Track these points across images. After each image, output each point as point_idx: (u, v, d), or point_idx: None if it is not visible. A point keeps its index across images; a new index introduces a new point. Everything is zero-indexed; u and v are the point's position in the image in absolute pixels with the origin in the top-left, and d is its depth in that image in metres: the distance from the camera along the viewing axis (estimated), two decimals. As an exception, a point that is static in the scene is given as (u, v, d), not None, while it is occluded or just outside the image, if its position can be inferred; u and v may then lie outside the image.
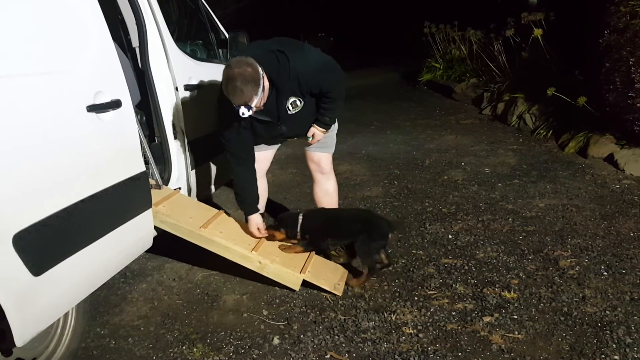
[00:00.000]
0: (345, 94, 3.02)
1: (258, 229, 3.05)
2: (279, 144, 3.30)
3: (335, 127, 3.22)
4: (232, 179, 3.07)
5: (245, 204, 3.06)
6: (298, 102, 2.88)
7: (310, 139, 3.08)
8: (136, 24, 3.08)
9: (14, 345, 1.86)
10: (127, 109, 2.40)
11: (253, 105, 2.61)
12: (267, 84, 2.68)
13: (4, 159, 1.76)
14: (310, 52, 2.90)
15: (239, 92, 2.56)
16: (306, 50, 2.88)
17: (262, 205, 3.26)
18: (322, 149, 3.19)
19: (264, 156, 3.19)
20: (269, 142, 3.17)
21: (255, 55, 2.68)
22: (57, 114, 2.02)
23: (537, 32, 6.19)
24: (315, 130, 3.05)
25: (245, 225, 3.11)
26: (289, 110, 2.89)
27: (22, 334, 1.83)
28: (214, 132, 3.05)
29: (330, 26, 18.13)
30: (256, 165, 3.10)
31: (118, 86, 2.37)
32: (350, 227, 3.01)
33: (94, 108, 2.18)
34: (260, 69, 2.62)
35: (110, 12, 3.11)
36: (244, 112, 2.60)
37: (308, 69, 2.79)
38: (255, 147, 3.06)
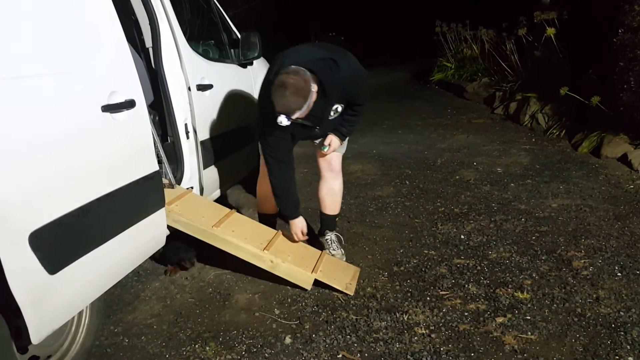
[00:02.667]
0: None
1: (302, 232, 3.07)
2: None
3: None
4: (272, 182, 3.00)
5: (287, 207, 3.07)
6: (340, 108, 2.91)
7: (327, 149, 3.10)
8: (149, 24, 3.10)
9: (29, 342, 1.88)
10: (141, 108, 2.41)
11: (293, 117, 2.60)
12: (314, 99, 2.63)
13: (20, 158, 1.78)
14: (355, 61, 2.90)
15: (285, 100, 2.54)
16: (350, 59, 2.89)
17: (275, 206, 3.28)
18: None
19: None
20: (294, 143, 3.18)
21: (308, 62, 2.66)
22: (72, 113, 2.03)
23: (550, 31, 6.15)
24: (333, 139, 3.07)
25: (257, 225, 3.13)
26: (331, 115, 2.90)
27: (38, 331, 1.85)
28: (229, 131, 3.06)
29: (340, 25, 18.11)
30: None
31: (132, 86, 2.38)
32: None
33: (109, 108, 2.20)
34: (312, 85, 2.60)
35: (124, 12, 3.13)
36: (283, 121, 2.58)
37: (354, 77, 2.84)
38: None
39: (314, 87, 2.61)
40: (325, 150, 3.10)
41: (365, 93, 3.02)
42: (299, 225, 3.08)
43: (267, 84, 2.76)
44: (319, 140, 3.14)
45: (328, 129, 3.06)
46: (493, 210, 3.96)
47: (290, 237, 3.14)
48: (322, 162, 3.24)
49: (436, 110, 8.14)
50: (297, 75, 2.56)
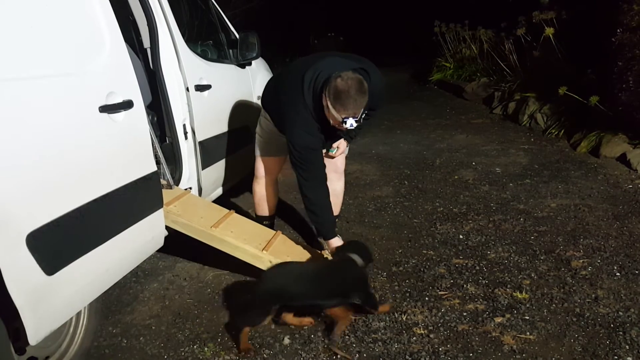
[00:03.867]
0: None
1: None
2: None
3: None
4: (310, 199, 2.86)
5: (327, 225, 2.93)
6: (364, 115, 2.90)
7: (335, 152, 3.12)
8: (147, 25, 3.11)
9: (27, 344, 1.88)
10: (139, 109, 2.41)
11: (358, 116, 2.58)
12: None
13: (17, 159, 1.77)
14: (377, 71, 2.90)
15: (352, 101, 2.52)
16: (376, 69, 2.88)
17: (272, 207, 3.29)
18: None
19: (276, 162, 3.20)
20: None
21: (345, 69, 2.63)
22: (70, 114, 2.03)
23: (549, 30, 6.15)
24: (342, 141, 3.09)
25: (256, 226, 3.13)
26: (359, 123, 2.83)
27: (35, 332, 1.84)
28: (228, 132, 3.05)
29: (339, 26, 18.13)
30: (271, 169, 3.17)
31: (130, 87, 2.38)
32: None
33: (106, 109, 2.19)
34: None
35: (122, 13, 3.14)
36: (352, 123, 2.56)
37: (379, 88, 2.85)
38: (269, 153, 3.09)
39: None
40: (334, 152, 3.10)
41: (383, 101, 3.03)
42: (337, 244, 2.88)
43: (300, 99, 2.70)
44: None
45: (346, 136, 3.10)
46: (492, 210, 3.96)
47: (289, 242, 3.15)
48: (328, 163, 3.23)
49: (435, 110, 8.15)
50: (353, 74, 2.56)
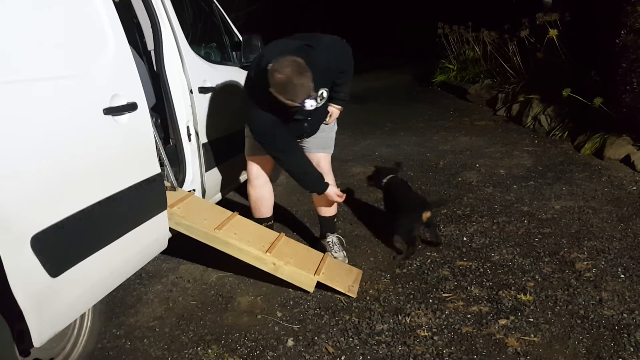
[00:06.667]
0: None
1: (337, 194, 3.13)
2: None
3: (334, 127, 3.26)
4: (292, 170, 3.05)
5: (316, 184, 3.07)
6: (325, 94, 2.95)
7: (328, 119, 3.14)
8: (151, 27, 3.11)
9: (32, 345, 1.88)
10: (143, 111, 2.42)
11: (314, 95, 2.61)
12: None
13: (22, 161, 1.78)
14: (324, 37, 2.95)
15: (299, 87, 2.55)
16: (324, 39, 2.94)
17: (269, 208, 3.28)
18: (322, 149, 3.22)
19: (266, 160, 3.20)
20: None
21: (284, 52, 2.67)
22: (74, 117, 2.04)
23: (552, 32, 6.14)
24: (334, 109, 3.12)
25: (259, 227, 3.14)
26: (318, 102, 2.88)
27: (40, 334, 1.85)
28: (231, 134, 3.04)
29: (341, 27, 18.15)
30: (262, 169, 3.17)
31: (134, 89, 2.39)
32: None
33: (111, 111, 2.20)
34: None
35: (126, 15, 3.15)
36: (312, 103, 2.60)
37: (330, 55, 2.87)
38: (258, 152, 3.10)
39: None
40: (327, 120, 3.14)
41: (348, 62, 3.01)
42: (333, 190, 3.10)
43: (254, 85, 2.82)
44: (308, 140, 3.16)
45: (318, 122, 3.10)
46: (495, 212, 3.95)
47: (293, 244, 3.15)
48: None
49: (438, 112, 8.14)
50: (286, 59, 2.57)
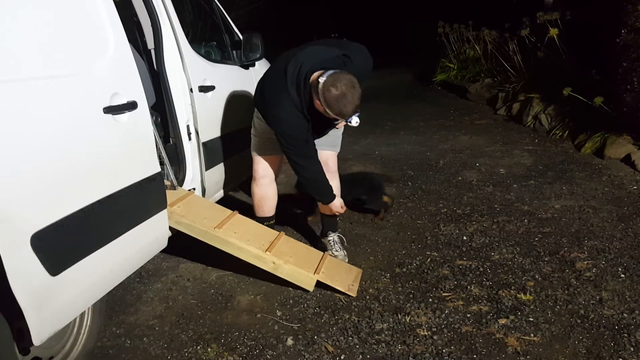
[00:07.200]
0: None
1: (341, 206, 3.18)
2: None
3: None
4: (304, 177, 3.03)
5: (326, 193, 3.08)
6: None
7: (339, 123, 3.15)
8: (151, 25, 3.10)
9: (31, 344, 1.88)
10: (143, 110, 2.41)
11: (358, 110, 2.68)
12: None
13: (22, 160, 1.78)
14: (354, 47, 3.02)
15: (351, 105, 2.62)
16: (357, 49, 3.00)
17: (272, 208, 3.28)
18: (331, 147, 3.22)
19: (273, 160, 3.20)
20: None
21: (325, 61, 2.74)
22: (74, 115, 2.03)
23: (553, 31, 6.13)
24: None
25: (259, 226, 3.14)
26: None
27: (39, 333, 1.85)
28: (231, 133, 3.03)
29: (343, 27, 18.12)
30: (269, 169, 3.16)
31: (134, 88, 2.38)
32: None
33: (111, 109, 2.20)
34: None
35: (126, 14, 3.14)
36: (357, 120, 2.68)
37: (365, 66, 2.96)
38: (266, 152, 3.09)
39: None
40: (337, 124, 3.14)
41: (370, 72, 3.10)
42: (338, 202, 3.14)
43: (285, 88, 2.77)
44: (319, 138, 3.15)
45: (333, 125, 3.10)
46: (496, 212, 3.95)
47: (293, 243, 3.16)
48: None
49: (439, 111, 8.14)
50: (342, 76, 2.63)
